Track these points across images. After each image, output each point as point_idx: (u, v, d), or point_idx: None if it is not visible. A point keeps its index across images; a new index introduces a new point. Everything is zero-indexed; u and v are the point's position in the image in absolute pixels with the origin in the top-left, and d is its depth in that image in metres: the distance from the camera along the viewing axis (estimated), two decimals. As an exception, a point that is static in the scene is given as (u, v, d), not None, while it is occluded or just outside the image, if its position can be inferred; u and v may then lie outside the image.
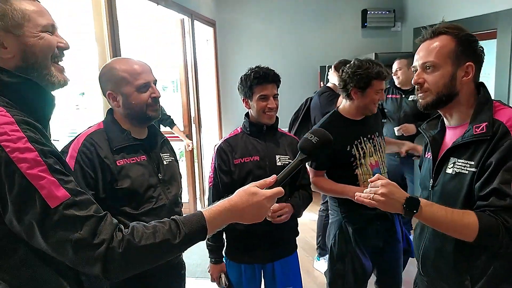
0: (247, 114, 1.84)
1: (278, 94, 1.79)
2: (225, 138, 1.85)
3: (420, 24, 4.48)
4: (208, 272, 1.88)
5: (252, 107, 1.78)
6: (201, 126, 4.35)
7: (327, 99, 2.94)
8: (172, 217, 0.94)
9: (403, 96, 3.23)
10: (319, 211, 3.23)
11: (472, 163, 1.17)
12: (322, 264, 3.17)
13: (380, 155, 1.96)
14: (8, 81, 0.86)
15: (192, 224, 0.92)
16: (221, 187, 1.76)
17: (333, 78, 3.02)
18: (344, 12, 5.17)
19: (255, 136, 1.81)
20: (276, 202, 1.64)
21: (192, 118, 4.22)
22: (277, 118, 1.86)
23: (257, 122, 1.79)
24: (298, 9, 5.13)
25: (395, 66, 3.23)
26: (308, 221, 3.95)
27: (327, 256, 3.16)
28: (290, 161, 1.79)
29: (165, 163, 1.50)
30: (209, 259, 1.85)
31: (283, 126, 3.34)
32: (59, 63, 0.95)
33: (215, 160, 1.81)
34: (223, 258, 1.86)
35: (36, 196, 0.77)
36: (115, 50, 2.72)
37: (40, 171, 0.78)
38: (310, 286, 3.01)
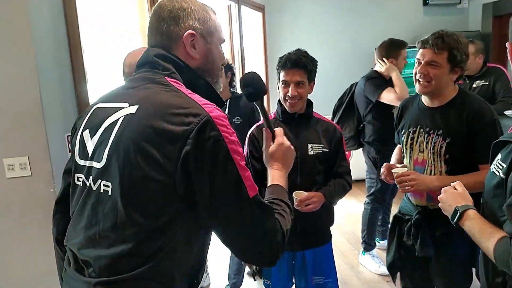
0: (279, 101, 1.78)
1: (303, 81, 1.68)
2: (257, 124, 1.81)
3: (490, -1, 4.02)
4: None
5: (280, 93, 1.73)
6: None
7: (373, 85, 2.74)
8: (274, 197, 1.01)
9: (467, 81, 2.97)
10: (364, 203, 3.08)
11: (504, 166, 1.05)
12: (367, 260, 3.04)
13: (432, 157, 1.67)
14: (197, 82, 0.96)
15: (283, 193, 1.04)
16: (253, 174, 1.71)
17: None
18: (403, -11, 4.82)
19: (287, 123, 1.74)
20: (307, 191, 1.62)
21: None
22: (311, 103, 1.79)
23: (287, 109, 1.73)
24: (352, -12, 4.86)
25: None
26: (358, 211, 3.81)
27: (373, 251, 3.07)
28: (323, 150, 1.74)
29: None
30: None
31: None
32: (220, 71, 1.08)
33: (247, 147, 1.79)
34: None
35: (241, 186, 0.84)
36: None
37: (245, 164, 0.87)
38: (353, 281, 2.90)
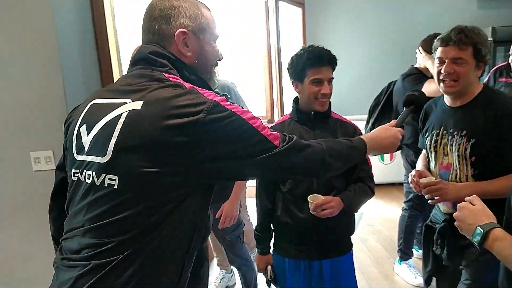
0: (295, 100, 1.68)
1: (333, 78, 1.59)
2: (272, 125, 1.72)
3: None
4: (255, 262, 1.82)
5: (303, 92, 1.60)
6: (284, 111, 4.24)
7: (412, 82, 2.55)
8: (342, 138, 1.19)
9: None
10: (402, 209, 2.88)
11: None
12: (403, 269, 2.84)
13: (458, 160, 1.54)
14: (192, 79, 0.98)
15: (358, 142, 1.18)
16: None
17: (421, 58, 2.61)
18: (455, -20, 4.50)
19: (303, 123, 1.64)
20: (325, 195, 1.53)
21: (274, 102, 4.13)
22: (330, 102, 1.67)
23: (306, 109, 1.63)
24: (399, -20, 4.61)
25: None
26: (398, 217, 3.61)
27: (410, 261, 2.87)
28: None
29: None
30: (256, 249, 1.79)
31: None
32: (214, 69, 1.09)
33: None
34: (270, 250, 1.77)
35: (268, 143, 0.93)
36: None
37: (260, 122, 0.95)
38: (387, 291, 2.73)
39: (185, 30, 0.97)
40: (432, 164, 1.67)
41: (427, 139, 1.68)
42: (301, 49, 1.60)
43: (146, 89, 0.90)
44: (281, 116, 4.19)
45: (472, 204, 1.12)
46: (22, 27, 1.70)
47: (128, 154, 0.86)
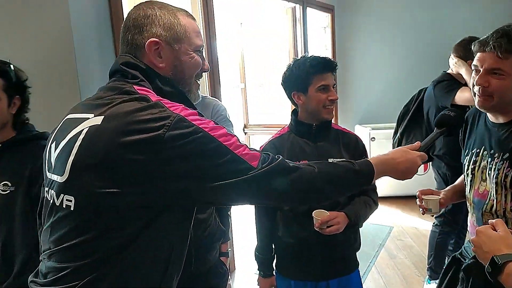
0: (294, 112, 1.61)
1: (336, 84, 1.56)
2: (270, 138, 1.64)
3: None
4: (258, 286, 1.71)
5: (308, 102, 1.52)
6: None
7: (444, 89, 2.39)
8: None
9: None
10: (432, 225, 2.71)
11: None
12: (433, 289, 2.67)
13: (495, 188, 1.31)
14: (162, 88, 0.94)
15: (362, 164, 1.01)
16: None
17: (453, 65, 2.44)
18: (496, -20, 4.23)
19: (303, 136, 1.56)
20: (329, 210, 1.45)
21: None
22: None
23: (308, 121, 1.55)
24: (435, -19, 4.40)
25: None
26: (429, 232, 3.40)
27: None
28: None
29: None
30: (258, 272, 1.69)
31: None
32: (197, 81, 1.03)
33: None
34: (273, 272, 1.68)
35: (242, 163, 0.83)
36: (211, 48, 2.72)
37: (236, 140, 0.86)
38: (414, 312, 2.56)
39: (157, 39, 0.92)
40: (467, 189, 1.44)
41: (466, 158, 1.43)
42: (298, 59, 1.55)
43: (111, 103, 0.85)
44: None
45: (495, 229, 1.00)
46: (39, 29, 1.74)
47: (85, 173, 0.82)
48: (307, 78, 1.49)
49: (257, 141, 4.66)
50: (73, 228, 0.83)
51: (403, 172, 1.08)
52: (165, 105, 0.84)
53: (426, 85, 2.71)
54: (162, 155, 0.78)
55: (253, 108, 4.30)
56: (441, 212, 2.61)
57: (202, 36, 2.38)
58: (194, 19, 0.99)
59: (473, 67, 1.32)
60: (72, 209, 0.82)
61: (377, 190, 1.64)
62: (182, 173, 0.80)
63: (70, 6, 1.72)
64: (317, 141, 1.56)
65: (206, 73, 1.36)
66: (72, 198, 0.83)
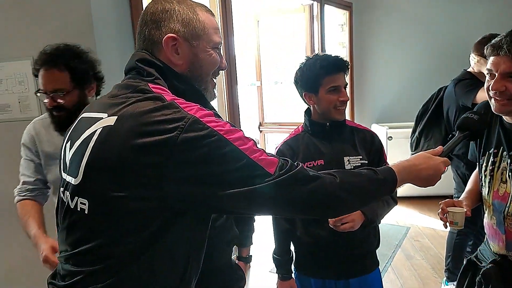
0: (307, 112, 1.60)
1: (347, 84, 1.54)
2: (285, 139, 1.63)
3: None
4: None
5: (319, 103, 1.51)
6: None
7: (465, 88, 2.34)
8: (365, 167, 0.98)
9: None
10: (450, 226, 2.66)
11: None
12: (451, 291, 2.62)
13: None
14: (184, 89, 0.91)
15: (385, 172, 0.95)
16: None
17: (474, 63, 2.39)
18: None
19: (318, 136, 1.55)
20: None
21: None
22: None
23: (321, 120, 1.54)
24: (455, -21, 4.31)
25: None
26: (447, 233, 3.34)
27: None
28: (362, 161, 1.51)
29: None
30: (277, 275, 1.66)
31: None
32: (214, 79, 1.00)
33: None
34: (292, 274, 1.66)
35: (258, 168, 0.79)
36: (228, 45, 2.72)
37: (253, 144, 0.82)
38: (431, 314, 2.52)
39: (175, 35, 0.88)
40: (485, 191, 1.38)
41: (483, 159, 1.38)
42: (309, 58, 1.53)
43: (125, 103, 0.82)
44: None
45: None
46: (60, 24, 1.77)
47: (98, 176, 0.80)
48: (317, 79, 1.48)
49: (273, 139, 4.66)
50: (87, 232, 0.82)
51: (426, 179, 1.03)
52: (180, 105, 0.80)
53: (445, 84, 2.66)
54: (175, 158, 0.75)
55: (268, 106, 4.29)
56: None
57: (220, 33, 2.37)
58: (213, 14, 0.96)
59: (487, 71, 1.28)
60: (86, 212, 0.81)
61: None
62: (195, 178, 0.76)
63: (91, 2, 1.74)
64: (332, 140, 1.54)
65: (223, 71, 1.37)
66: (86, 201, 0.81)
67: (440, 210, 1.34)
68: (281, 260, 1.63)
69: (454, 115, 2.48)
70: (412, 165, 1.01)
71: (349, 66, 1.52)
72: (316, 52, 3.88)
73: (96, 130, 0.82)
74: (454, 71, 2.74)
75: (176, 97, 0.83)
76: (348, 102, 1.65)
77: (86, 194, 0.82)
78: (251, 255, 1.71)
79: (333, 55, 1.52)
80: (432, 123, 2.66)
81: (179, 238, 0.83)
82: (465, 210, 1.32)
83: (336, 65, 1.48)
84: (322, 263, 1.57)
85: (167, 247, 0.81)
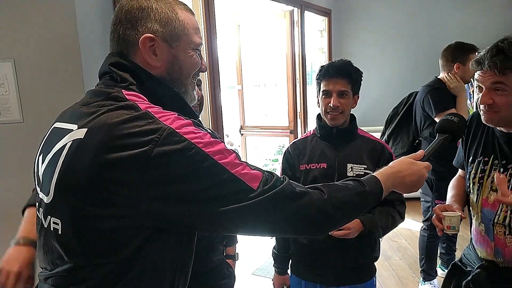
0: (318, 115, 1.63)
1: (347, 91, 1.51)
2: (295, 140, 1.70)
3: None
4: (272, 281, 1.75)
5: (320, 106, 1.57)
6: (308, 122, 4.18)
7: (435, 98, 2.38)
8: (350, 177, 0.95)
9: None
10: (421, 229, 2.75)
11: None
12: (427, 290, 2.71)
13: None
14: (162, 94, 0.85)
15: (371, 183, 0.92)
16: None
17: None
18: (489, -12, 4.31)
19: (325, 140, 1.58)
20: None
21: (298, 113, 4.08)
22: (354, 118, 1.61)
23: (326, 124, 1.57)
24: (430, -12, 4.47)
25: None
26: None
27: (434, 281, 2.72)
28: (366, 171, 1.50)
29: None
30: (274, 268, 1.73)
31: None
32: (194, 81, 0.94)
33: (282, 164, 1.67)
34: (288, 270, 1.72)
35: (239, 184, 0.74)
36: (211, 48, 2.73)
37: (235, 157, 0.76)
38: (409, 313, 2.60)
39: (152, 36, 0.81)
40: (473, 198, 1.39)
41: (472, 166, 1.38)
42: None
43: (96, 112, 0.76)
44: (304, 126, 4.13)
45: None
46: (44, 27, 1.74)
47: (69, 195, 0.74)
48: (318, 82, 1.56)
49: (253, 142, 4.68)
50: (64, 252, 0.77)
51: (410, 186, 1.01)
52: (155, 115, 0.74)
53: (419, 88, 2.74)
54: (149, 174, 0.69)
55: (249, 110, 4.32)
56: (427, 216, 2.64)
57: (203, 36, 2.36)
58: (193, 13, 0.90)
59: (476, 85, 1.32)
60: (60, 232, 0.76)
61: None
62: (171, 196, 0.70)
63: (75, 3, 1.73)
64: (338, 145, 1.56)
65: (205, 74, 1.38)
66: (58, 221, 0.76)
67: (435, 216, 1.32)
68: (280, 255, 1.68)
69: (420, 121, 2.54)
70: (396, 172, 0.99)
71: (351, 73, 1.51)
72: (297, 57, 3.94)
73: (66, 144, 0.77)
74: (429, 77, 2.84)
75: (152, 105, 0.78)
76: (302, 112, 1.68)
77: (58, 214, 0.77)
78: (238, 253, 1.76)
79: (341, 61, 1.53)
80: (401, 127, 2.72)
81: (164, 254, 0.79)
82: (460, 213, 1.30)
83: (331, 70, 1.50)
84: (315, 267, 1.58)
85: (151, 264, 0.77)
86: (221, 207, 0.72)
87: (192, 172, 0.71)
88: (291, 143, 1.68)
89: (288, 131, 4.02)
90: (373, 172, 1.51)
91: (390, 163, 1.04)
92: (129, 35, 0.82)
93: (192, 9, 2.73)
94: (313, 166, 1.54)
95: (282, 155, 1.69)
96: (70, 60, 1.76)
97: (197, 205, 0.72)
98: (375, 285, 1.66)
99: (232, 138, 5.24)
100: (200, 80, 1.43)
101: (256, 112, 4.36)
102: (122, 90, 0.80)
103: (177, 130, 0.72)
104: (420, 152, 1.09)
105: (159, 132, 0.71)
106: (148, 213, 0.71)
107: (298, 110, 4.08)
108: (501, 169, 1.29)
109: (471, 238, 1.45)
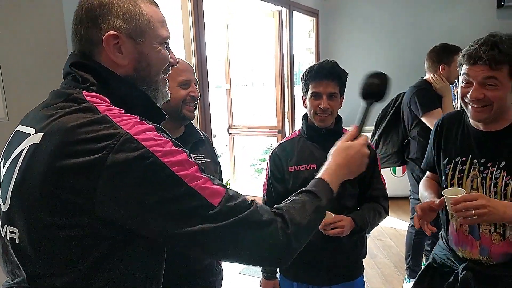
0: (305, 116, 1.64)
1: (336, 93, 1.53)
2: (281, 142, 1.68)
3: None
4: (260, 287, 1.73)
5: (308, 107, 1.58)
6: (295, 121, 4.20)
7: (422, 98, 2.43)
8: (302, 189, 0.90)
9: None
10: (408, 226, 2.81)
11: None
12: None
13: (494, 196, 1.28)
14: (128, 94, 0.81)
15: (323, 191, 0.89)
16: (275, 196, 1.60)
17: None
18: (473, -10, 4.40)
19: (313, 140, 1.59)
20: (335, 214, 1.44)
21: (285, 113, 4.11)
22: (340, 119, 1.62)
23: (315, 126, 1.58)
24: (416, -11, 4.55)
25: None
26: (404, 233, 3.50)
27: (419, 279, 2.78)
28: None
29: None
30: (261, 273, 1.70)
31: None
32: (165, 77, 0.90)
33: (269, 166, 1.65)
34: (277, 274, 1.70)
35: (197, 198, 0.70)
36: (200, 48, 2.73)
37: (196, 170, 0.72)
38: (394, 310, 2.65)
39: (116, 33, 0.77)
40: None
41: (448, 167, 1.38)
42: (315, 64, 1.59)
43: (53, 116, 0.73)
44: (292, 126, 4.15)
45: None
46: (31, 31, 1.71)
47: (24, 202, 0.71)
48: (306, 84, 1.55)
49: (241, 142, 4.69)
50: (20, 264, 0.74)
51: (357, 169, 1.00)
52: (113, 119, 0.70)
53: (406, 90, 2.80)
54: (103, 183, 0.66)
55: (237, 109, 4.33)
56: (414, 214, 2.69)
57: (191, 35, 2.34)
58: (157, 6, 0.85)
59: (462, 79, 1.28)
60: (17, 242, 0.73)
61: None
62: (126, 206, 0.67)
63: (63, 3, 1.71)
64: (326, 145, 1.54)
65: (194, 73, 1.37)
66: (15, 230, 0.73)
67: (416, 214, 1.33)
68: None
69: (408, 121, 2.61)
70: (339, 165, 0.96)
71: (341, 75, 1.53)
72: (285, 57, 3.97)
73: (24, 149, 0.74)
74: (416, 78, 2.90)
75: (112, 107, 0.75)
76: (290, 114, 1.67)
77: (14, 223, 0.74)
78: None
79: (327, 63, 1.54)
80: (390, 128, 2.78)
81: (132, 264, 0.75)
82: (464, 190, 1.27)
83: (321, 72, 1.51)
84: (307, 268, 1.58)
85: (118, 273, 0.74)
86: (177, 224, 0.68)
87: (146, 182, 0.67)
88: (278, 144, 1.68)
89: (276, 130, 4.04)
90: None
91: (330, 155, 1.01)
92: (92, 34, 0.79)
93: (181, 8, 2.71)
94: (303, 167, 1.55)
95: (268, 157, 1.68)
96: (56, 60, 1.73)
97: (152, 218, 0.68)
98: (364, 282, 1.69)
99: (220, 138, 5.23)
100: (196, 80, 1.43)
101: (244, 111, 4.37)
102: (83, 91, 0.77)
103: (135, 136, 0.68)
104: (355, 128, 1.07)
105: (115, 138, 0.68)
106: (105, 223, 0.68)
107: (286, 110, 4.10)
108: (481, 168, 1.30)
109: (446, 240, 1.45)
